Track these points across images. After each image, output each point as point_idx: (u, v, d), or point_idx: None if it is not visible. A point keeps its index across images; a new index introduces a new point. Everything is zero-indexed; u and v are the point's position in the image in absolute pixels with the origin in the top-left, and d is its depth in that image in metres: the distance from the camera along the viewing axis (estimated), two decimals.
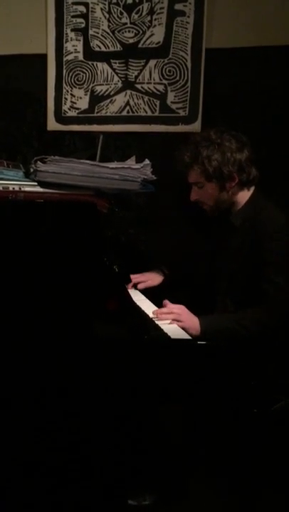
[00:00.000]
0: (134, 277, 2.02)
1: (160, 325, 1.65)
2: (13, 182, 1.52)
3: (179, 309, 1.74)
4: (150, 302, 1.92)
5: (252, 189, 1.89)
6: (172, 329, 1.65)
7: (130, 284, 1.99)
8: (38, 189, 1.52)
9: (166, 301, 1.79)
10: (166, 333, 1.59)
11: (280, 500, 1.78)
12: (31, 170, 1.55)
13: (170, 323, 1.69)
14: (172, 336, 1.57)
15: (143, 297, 1.97)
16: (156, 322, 1.69)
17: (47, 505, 1.52)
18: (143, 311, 1.77)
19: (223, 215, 1.93)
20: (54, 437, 1.48)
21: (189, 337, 1.63)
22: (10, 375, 1.45)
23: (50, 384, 1.45)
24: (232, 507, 1.76)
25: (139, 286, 2.01)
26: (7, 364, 1.45)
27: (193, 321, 1.71)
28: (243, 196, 1.87)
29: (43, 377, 1.45)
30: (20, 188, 1.51)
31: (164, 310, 1.74)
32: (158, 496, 1.78)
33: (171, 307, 1.75)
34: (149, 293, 2.00)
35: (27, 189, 1.51)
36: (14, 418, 1.48)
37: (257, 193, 1.89)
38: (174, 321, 1.70)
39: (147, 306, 1.85)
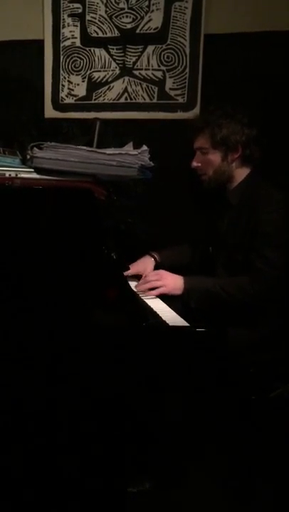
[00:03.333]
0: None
1: (157, 312, 1.64)
2: (10, 169, 1.51)
3: (157, 275, 1.80)
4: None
5: (250, 168, 1.93)
6: (170, 316, 1.64)
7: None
8: (35, 176, 1.52)
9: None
10: (164, 321, 1.58)
11: (278, 486, 1.79)
12: (28, 156, 1.54)
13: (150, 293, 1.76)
14: (170, 323, 1.57)
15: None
16: (154, 310, 1.68)
17: (46, 494, 1.52)
18: (141, 299, 1.76)
19: (219, 192, 1.97)
20: (52, 425, 1.48)
21: (187, 324, 1.63)
22: (9, 361, 1.45)
23: (49, 372, 1.45)
24: (231, 493, 1.76)
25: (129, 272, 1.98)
26: (6, 350, 1.44)
27: (176, 281, 1.78)
28: (241, 173, 1.92)
29: (42, 366, 1.44)
30: (16, 175, 1.50)
31: (146, 286, 1.78)
32: (156, 482, 1.79)
33: (149, 279, 1.79)
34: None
35: (23, 176, 1.51)
36: (13, 407, 1.48)
37: (254, 172, 1.93)
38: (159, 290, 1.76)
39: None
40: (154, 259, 2.06)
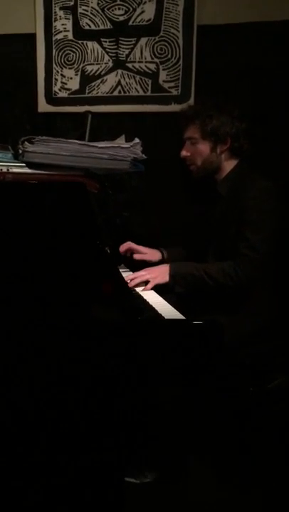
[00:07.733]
0: (135, 247, 2.02)
1: (153, 305, 1.64)
2: (1, 163, 1.50)
3: (144, 271, 1.82)
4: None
5: (238, 160, 1.94)
6: (166, 310, 1.63)
7: (126, 245, 2.01)
8: (27, 170, 1.50)
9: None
10: (160, 314, 1.57)
11: (277, 477, 1.79)
12: (19, 151, 1.53)
13: (144, 289, 1.77)
14: (166, 317, 1.56)
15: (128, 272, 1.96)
16: (150, 304, 1.67)
17: (43, 485, 1.52)
18: (136, 293, 1.76)
19: (210, 184, 1.97)
20: (52, 418, 1.48)
21: (183, 317, 1.62)
22: (4, 357, 1.44)
23: (45, 367, 1.44)
24: (231, 484, 1.77)
25: (136, 256, 2.00)
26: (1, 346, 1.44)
27: (162, 270, 1.81)
28: (229, 164, 1.93)
29: (37, 361, 1.44)
30: (8, 170, 1.49)
31: (130, 276, 1.81)
32: (158, 473, 1.79)
33: (136, 274, 1.81)
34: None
35: (15, 170, 1.50)
36: (12, 400, 1.47)
37: (243, 163, 1.93)
38: (147, 282, 1.78)
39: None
40: (162, 254, 2.05)
